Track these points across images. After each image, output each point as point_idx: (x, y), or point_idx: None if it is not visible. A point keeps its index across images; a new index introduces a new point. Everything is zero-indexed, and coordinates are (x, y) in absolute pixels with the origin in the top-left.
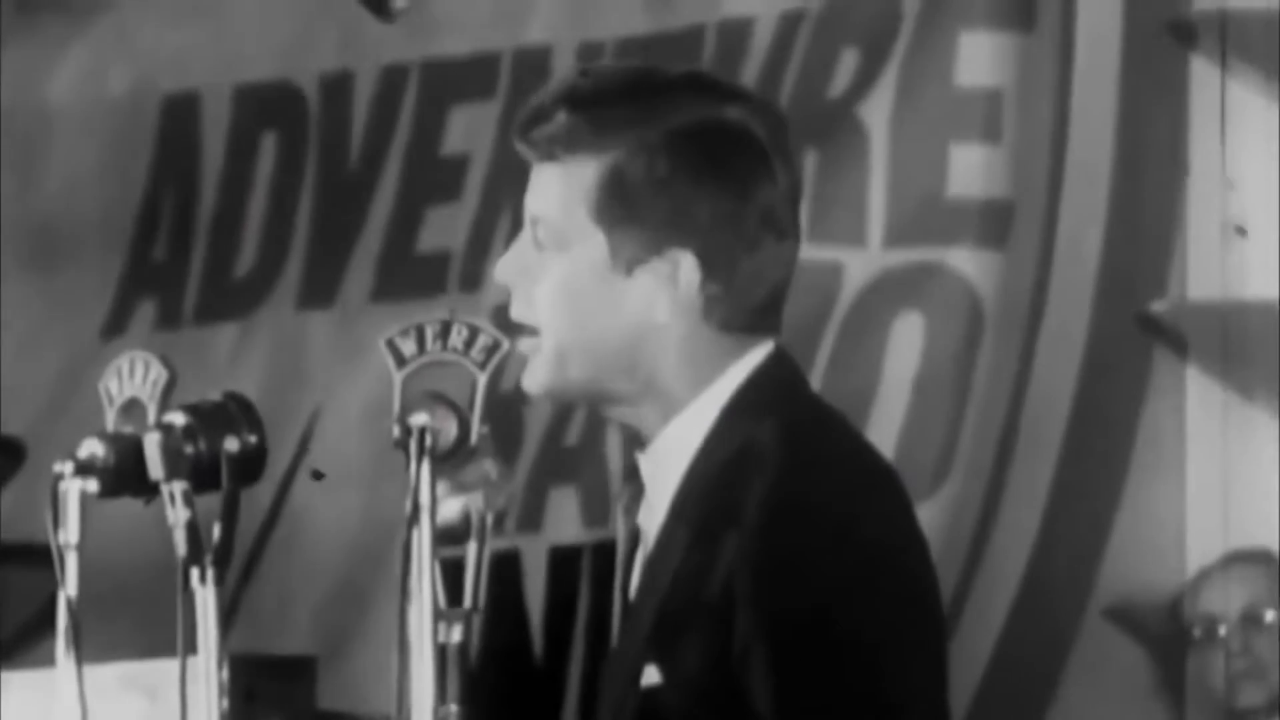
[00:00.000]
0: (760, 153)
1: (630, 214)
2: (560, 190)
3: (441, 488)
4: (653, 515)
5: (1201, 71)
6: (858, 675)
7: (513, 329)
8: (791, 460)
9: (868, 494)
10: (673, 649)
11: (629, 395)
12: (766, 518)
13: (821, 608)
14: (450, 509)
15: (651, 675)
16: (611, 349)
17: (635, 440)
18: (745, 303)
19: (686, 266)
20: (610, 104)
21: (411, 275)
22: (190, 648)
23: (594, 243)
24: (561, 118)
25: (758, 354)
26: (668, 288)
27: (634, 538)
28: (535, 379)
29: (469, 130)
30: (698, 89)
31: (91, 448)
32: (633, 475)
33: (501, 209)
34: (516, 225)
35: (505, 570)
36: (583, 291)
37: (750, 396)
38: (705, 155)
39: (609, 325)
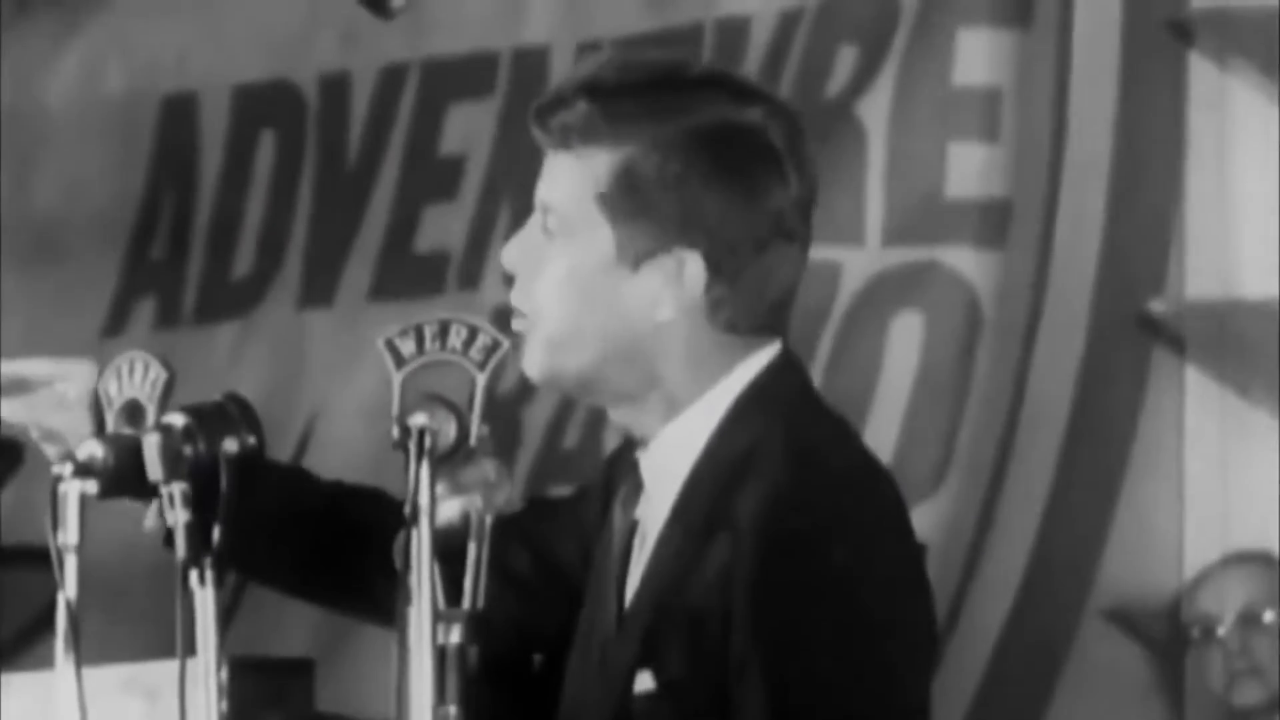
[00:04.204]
0: (774, 157)
1: (639, 209)
2: (572, 180)
3: (441, 488)
4: (653, 513)
5: (1200, 69)
6: (851, 695)
7: (511, 328)
8: (791, 472)
9: (866, 508)
10: (669, 656)
11: (631, 391)
12: (763, 531)
13: (814, 627)
14: (449, 510)
15: (645, 681)
16: (611, 341)
17: (632, 442)
18: (751, 305)
19: (692, 266)
20: (630, 97)
21: (410, 274)
22: (189, 649)
23: (601, 235)
24: (580, 106)
25: (764, 355)
26: (673, 285)
27: (630, 532)
28: (532, 364)
29: (467, 130)
30: (718, 89)
31: (91, 449)
32: (632, 470)
33: (500, 208)
34: (515, 224)
35: None
36: (586, 282)
37: (756, 399)
38: (719, 156)
39: (610, 317)
